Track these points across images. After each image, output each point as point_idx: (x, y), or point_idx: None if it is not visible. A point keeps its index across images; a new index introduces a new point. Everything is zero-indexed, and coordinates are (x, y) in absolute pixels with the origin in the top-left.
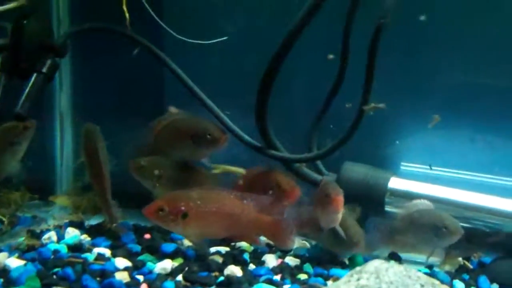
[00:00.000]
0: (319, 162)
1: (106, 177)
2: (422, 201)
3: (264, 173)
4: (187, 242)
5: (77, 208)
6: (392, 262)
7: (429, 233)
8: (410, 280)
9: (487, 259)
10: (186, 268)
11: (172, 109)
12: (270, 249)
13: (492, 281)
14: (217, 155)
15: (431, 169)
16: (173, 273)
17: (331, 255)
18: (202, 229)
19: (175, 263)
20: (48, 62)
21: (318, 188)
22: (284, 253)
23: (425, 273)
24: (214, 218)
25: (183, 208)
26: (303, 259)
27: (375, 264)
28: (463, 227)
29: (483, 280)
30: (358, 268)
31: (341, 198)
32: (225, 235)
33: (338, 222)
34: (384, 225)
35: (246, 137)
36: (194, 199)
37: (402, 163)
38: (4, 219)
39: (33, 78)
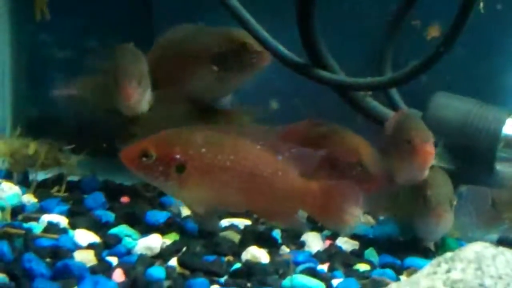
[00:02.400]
0: (394, 91)
1: None
2: None
3: (329, 135)
4: (186, 210)
5: (17, 161)
6: (502, 248)
7: None
8: None
9: None
10: (184, 249)
11: None
12: (314, 225)
13: None
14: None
15: None
16: (163, 254)
17: (409, 237)
18: (207, 194)
19: (167, 240)
20: None
21: (392, 127)
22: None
23: None
24: (228, 179)
25: (178, 155)
26: (365, 242)
27: (475, 249)
28: None
29: None
30: (449, 254)
31: (430, 148)
32: (245, 207)
33: (422, 178)
34: (486, 195)
35: (282, 48)
36: (197, 144)
37: None
38: None
39: None
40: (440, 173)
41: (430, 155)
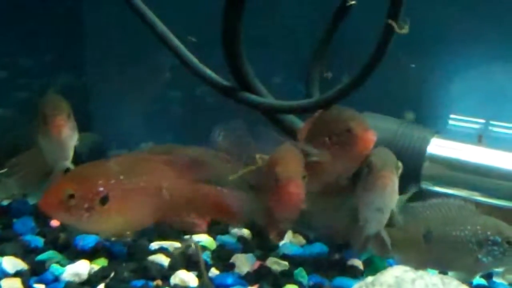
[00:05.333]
0: None
1: None
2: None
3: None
4: None
5: None
6: (421, 272)
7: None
8: None
9: None
10: (112, 274)
11: None
12: (244, 246)
13: None
14: None
15: None
16: (91, 281)
17: (338, 255)
18: (125, 217)
19: (95, 265)
20: None
21: (325, 113)
22: (265, 252)
23: (478, 286)
24: (141, 198)
25: (101, 188)
26: (295, 262)
27: (395, 273)
28: None
29: None
30: (369, 279)
31: (372, 135)
32: (150, 221)
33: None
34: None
35: (210, 72)
36: (115, 173)
37: (452, 116)
38: None
39: None
40: (382, 148)
41: (372, 141)
